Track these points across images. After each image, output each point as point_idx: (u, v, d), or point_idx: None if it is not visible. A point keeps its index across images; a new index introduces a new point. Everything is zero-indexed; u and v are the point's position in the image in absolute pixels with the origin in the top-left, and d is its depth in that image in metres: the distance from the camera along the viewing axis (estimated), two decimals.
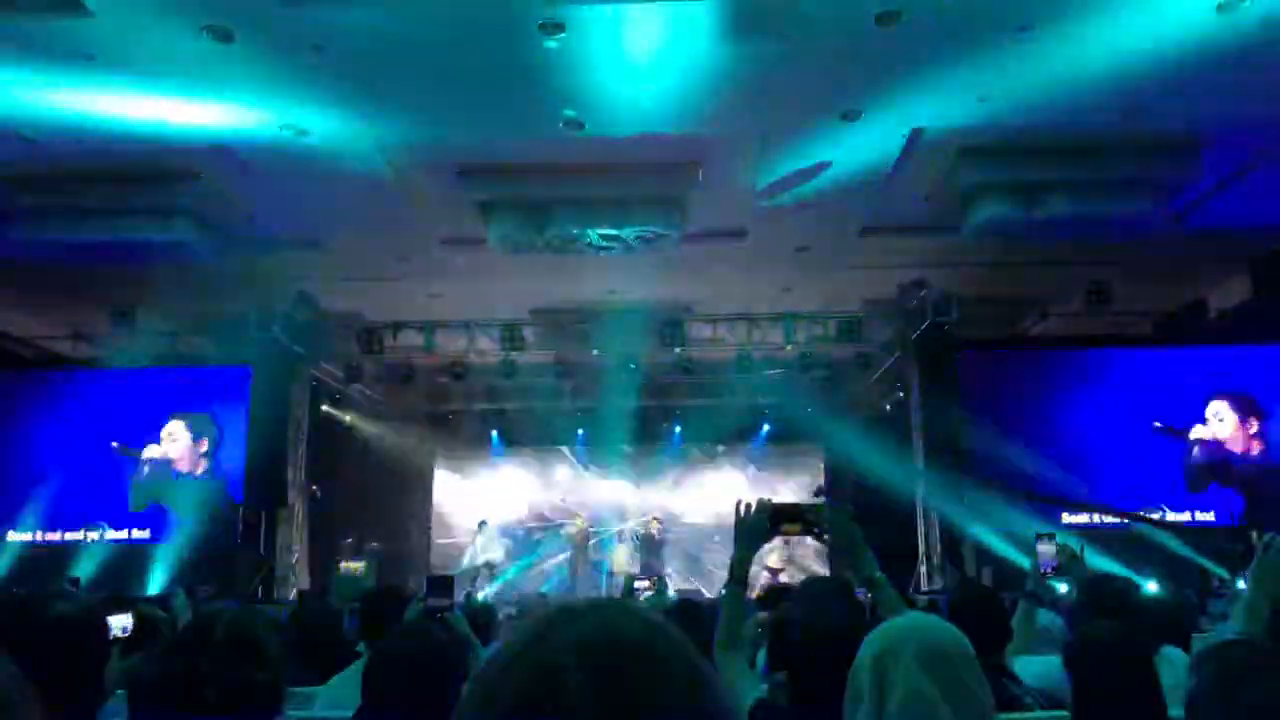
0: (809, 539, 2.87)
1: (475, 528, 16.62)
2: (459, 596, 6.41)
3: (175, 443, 12.63)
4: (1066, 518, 11.62)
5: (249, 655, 1.93)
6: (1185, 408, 12.14)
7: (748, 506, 2.88)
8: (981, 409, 12.27)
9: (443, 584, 3.98)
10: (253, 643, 1.95)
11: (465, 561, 16.14)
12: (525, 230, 9.59)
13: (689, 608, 4.86)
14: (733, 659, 2.71)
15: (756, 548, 2.85)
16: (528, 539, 17.69)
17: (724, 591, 2.85)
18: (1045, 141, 8.81)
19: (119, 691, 2.42)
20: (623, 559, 17.39)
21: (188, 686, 1.88)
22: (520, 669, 0.85)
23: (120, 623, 3.13)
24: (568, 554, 17.18)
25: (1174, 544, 10.50)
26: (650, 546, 16.63)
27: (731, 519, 2.92)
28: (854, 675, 1.63)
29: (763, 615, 4.58)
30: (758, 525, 2.85)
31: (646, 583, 7.19)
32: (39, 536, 12.20)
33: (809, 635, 2.40)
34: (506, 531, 17.17)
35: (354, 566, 11.93)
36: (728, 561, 2.90)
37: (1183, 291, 13.02)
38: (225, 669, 1.89)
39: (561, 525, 17.73)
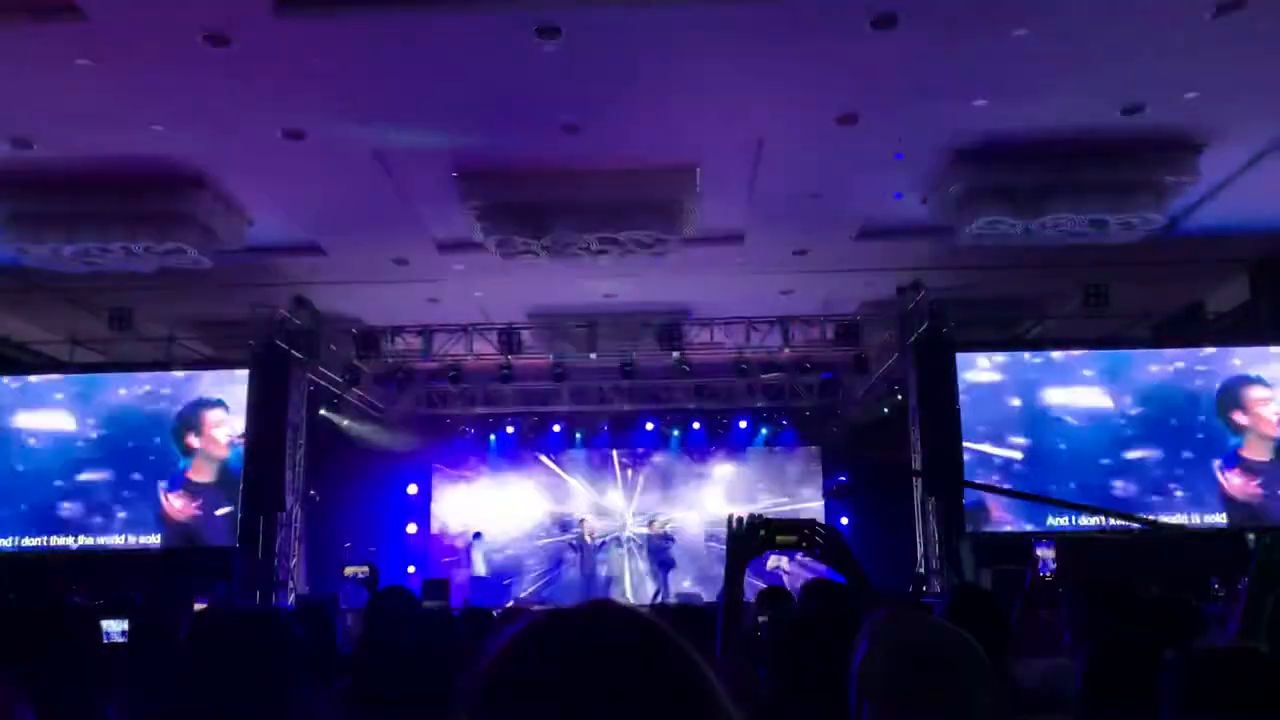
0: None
1: (470, 539, 16.61)
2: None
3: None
4: (1068, 519, 11.61)
5: (262, 661, 1.92)
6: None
7: (739, 520, 2.94)
8: (979, 411, 12.28)
9: (437, 586, 3.95)
10: (266, 648, 1.94)
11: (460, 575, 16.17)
12: (523, 234, 9.59)
13: (688, 612, 4.86)
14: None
15: (748, 560, 2.91)
16: (526, 544, 17.64)
17: (722, 600, 2.90)
18: (1043, 144, 8.82)
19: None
20: (623, 563, 17.39)
21: (199, 692, 1.87)
22: (517, 671, 0.85)
23: (118, 627, 3.12)
24: (575, 559, 17.12)
25: (1172, 548, 10.47)
26: (656, 550, 16.59)
27: (724, 526, 2.98)
28: (891, 677, 1.62)
29: (762, 620, 4.58)
30: (749, 539, 2.91)
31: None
32: (44, 542, 12.17)
33: (807, 636, 2.42)
34: (491, 540, 17.10)
35: (357, 571, 11.92)
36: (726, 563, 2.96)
37: (1180, 294, 13.04)
38: (238, 674, 1.88)
39: (561, 530, 17.69)
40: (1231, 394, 11.98)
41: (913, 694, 1.58)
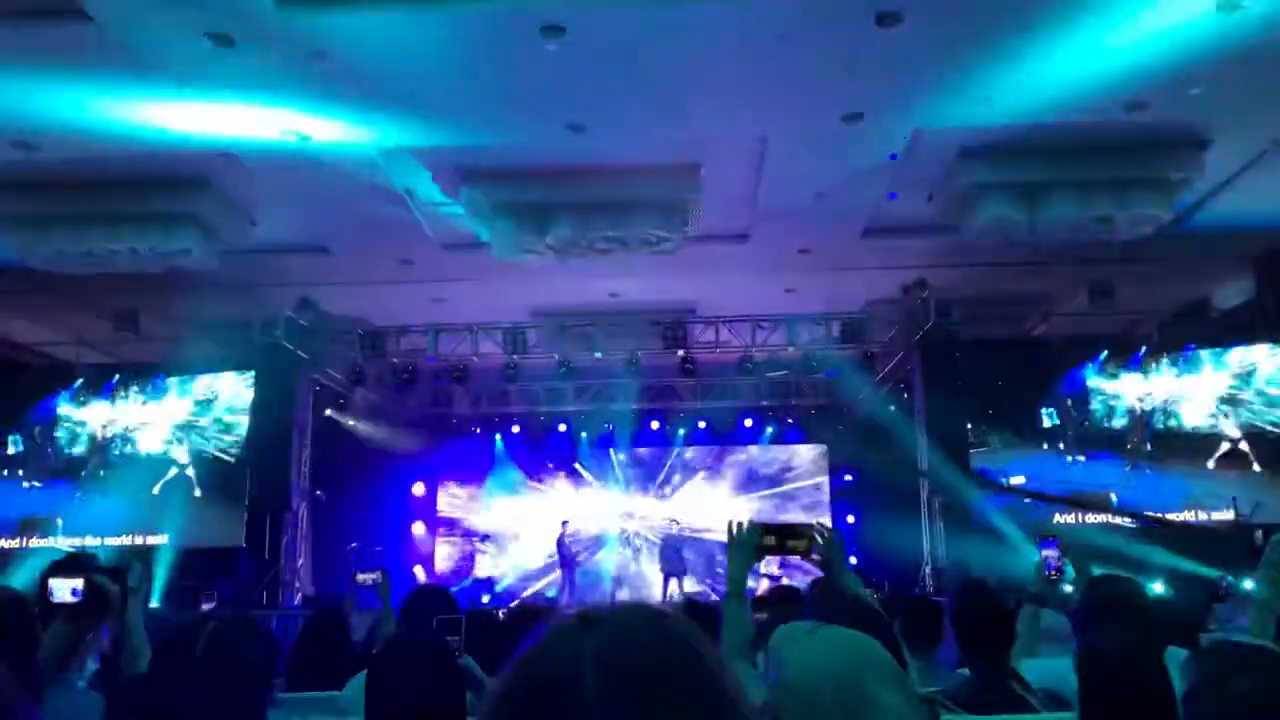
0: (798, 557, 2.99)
1: (478, 540, 16.59)
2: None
3: None
4: (1071, 518, 11.60)
5: (229, 671, 1.91)
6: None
7: (739, 525, 2.99)
8: (984, 409, 12.27)
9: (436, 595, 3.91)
10: (235, 659, 1.93)
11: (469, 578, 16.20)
12: (527, 233, 9.59)
13: (695, 609, 4.85)
14: (740, 667, 2.78)
15: (751, 564, 2.96)
16: (530, 544, 17.62)
17: (726, 604, 2.93)
18: (1047, 141, 8.80)
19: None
20: (625, 562, 17.38)
21: (166, 699, 1.87)
22: (540, 676, 0.85)
23: (69, 586, 3.07)
24: (561, 558, 17.12)
25: (1171, 557, 10.39)
26: (672, 548, 16.56)
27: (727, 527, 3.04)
28: (807, 703, 1.52)
29: (760, 616, 4.57)
30: (750, 544, 2.96)
31: None
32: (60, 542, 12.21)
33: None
34: (497, 541, 17.07)
35: (369, 577, 11.90)
36: (727, 568, 3.02)
37: (1185, 291, 13.00)
38: (204, 684, 1.88)
39: (561, 529, 17.66)
40: None
41: (819, 710, 1.50)
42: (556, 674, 0.84)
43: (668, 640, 0.88)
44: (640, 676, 0.84)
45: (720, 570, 16.54)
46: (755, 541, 2.95)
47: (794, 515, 16.41)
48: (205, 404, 12.81)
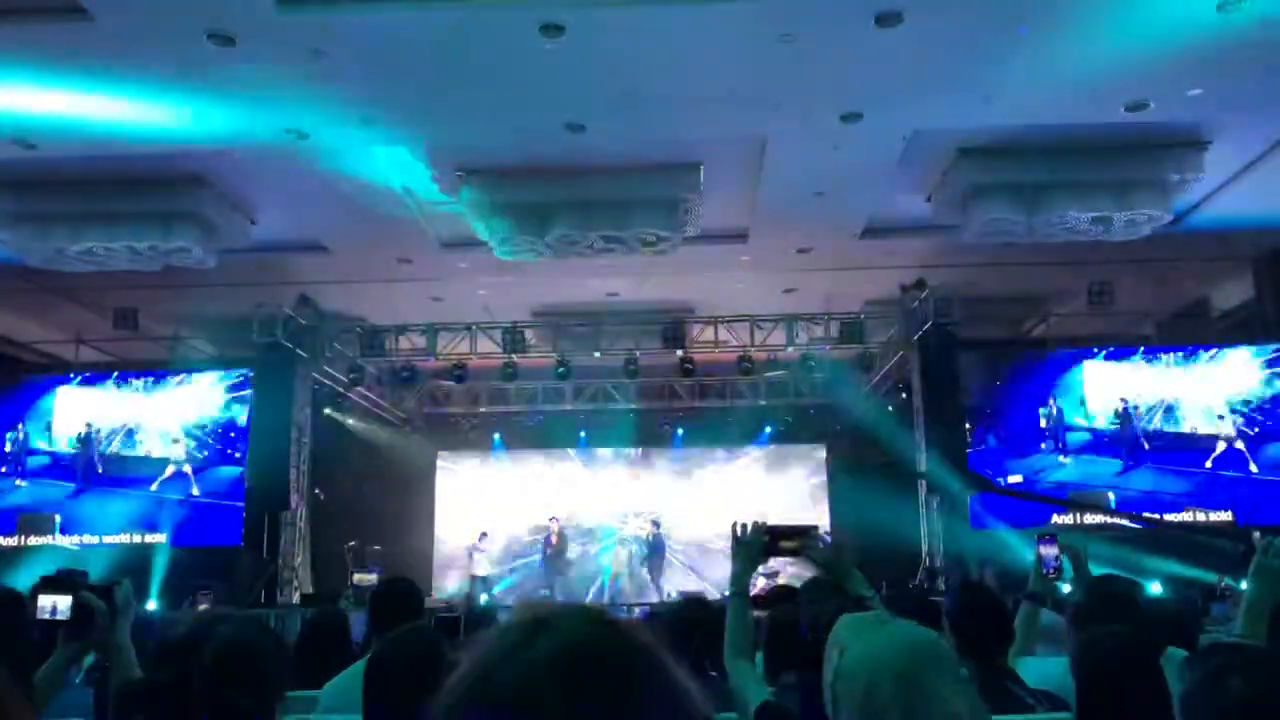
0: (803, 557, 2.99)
1: (476, 538, 16.54)
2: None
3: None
4: (1069, 518, 11.60)
5: (240, 674, 1.91)
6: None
7: (744, 527, 2.99)
8: (983, 409, 12.28)
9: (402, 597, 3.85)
10: (246, 662, 1.92)
11: (465, 578, 16.18)
12: (527, 233, 9.59)
13: (695, 606, 4.84)
14: (743, 666, 2.80)
15: (755, 566, 2.96)
16: (528, 543, 17.61)
17: (730, 604, 2.93)
18: (1047, 141, 8.81)
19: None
20: (622, 561, 17.37)
21: (175, 702, 1.86)
22: (494, 682, 0.84)
23: (57, 603, 3.06)
24: (544, 558, 17.09)
25: (1168, 558, 10.37)
26: (653, 549, 16.59)
27: (729, 530, 3.04)
28: (865, 692, 1.55)
29: (758, 615, 4.57)
30: (754, 545, 2.96)
31: None
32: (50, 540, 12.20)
33: (819, 635, 2.43)
34: (495, 540, 17.06)
35: (366, 579, 11.89)
36: (729, 562, 3.02)
37: (1185, 291, 13.01)
38: (214, 688, 1.87)
39: (550, 525, 17.64)
40: None
41: (877, 701, 1.52)
42: (514, 680, 0.83)
43: (623, 646, 0.86)
44: (599, 684, 0.83)
45: (704, 572, 16.59)
46: (759, 542, 2.96)
47: (793, 516, 16.39)
48: (204, 402, 12.80)
